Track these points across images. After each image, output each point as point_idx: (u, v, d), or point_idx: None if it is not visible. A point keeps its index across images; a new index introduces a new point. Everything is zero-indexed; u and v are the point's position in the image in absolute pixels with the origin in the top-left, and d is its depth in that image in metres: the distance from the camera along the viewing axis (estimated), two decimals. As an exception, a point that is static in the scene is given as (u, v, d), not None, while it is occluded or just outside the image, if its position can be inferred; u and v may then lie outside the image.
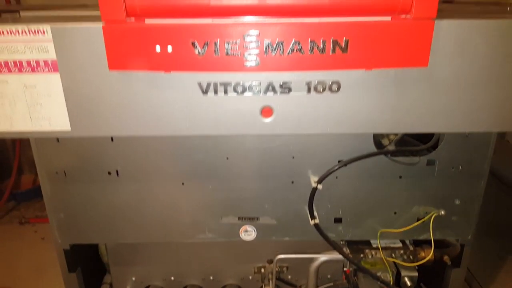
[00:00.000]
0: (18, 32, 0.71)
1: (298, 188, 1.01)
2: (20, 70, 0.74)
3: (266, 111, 0.78)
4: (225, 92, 0.75)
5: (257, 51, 0.69)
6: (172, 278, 1.24)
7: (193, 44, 0.68)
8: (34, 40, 0.71)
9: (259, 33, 0.68)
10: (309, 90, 0.76)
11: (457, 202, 1.03)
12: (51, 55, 0.72)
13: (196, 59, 0.69)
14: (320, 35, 0.68)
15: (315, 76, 0.75)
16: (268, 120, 0.79)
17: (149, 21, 0.70)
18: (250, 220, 1.05)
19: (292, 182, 1.01)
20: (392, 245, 1.08)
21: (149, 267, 1.22)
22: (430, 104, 0.79)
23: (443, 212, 1.03)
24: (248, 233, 1.06)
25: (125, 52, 0.70)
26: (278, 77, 0.74)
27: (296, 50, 0.70)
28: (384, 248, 1.07)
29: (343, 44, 0.69)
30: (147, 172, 0.97)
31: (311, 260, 1.10)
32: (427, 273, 1.11)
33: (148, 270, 1.23)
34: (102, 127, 0.77)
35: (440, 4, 0.69)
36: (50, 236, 1.04)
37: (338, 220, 1.05)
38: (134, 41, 0.68)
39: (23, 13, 0.84)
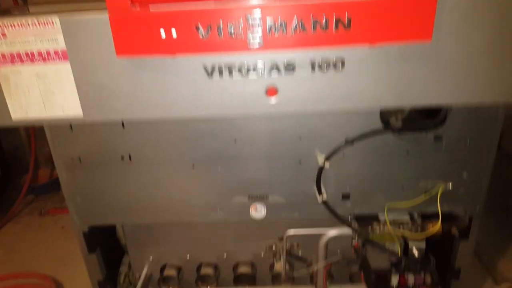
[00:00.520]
0: (29, 25, 0.73)
1: (306, 168, 1.03)
2: (32, 61, 0.77)
3: (271, 91, 0.79)
4: (230, 73, 0.76)
5: (260, 31, 0.70)
6: (188, 257, 1.29)
7: (197, 28, 0.69)
8: (44, 32, 0.74)
9: (262, 14, 0.69)
10: (313, 68, 0.77)
11: (465, 175, 1.04)
12: (61, 45, 0.75)
13: (200, 42, 0.70)
14: (322, 13, 0.69)
15: (318, 54, 0.75)
16: (273, 99, 0.80)
17: (153, 7, 0.72)
18: (260, 199, 1.08)
19: (300, 162, 1.03)
20: (400, 219, 1.10)
21: (165, 247, 1.28)
22: (435, 77, 0.79)
23: (450, 185, 1.04)
24: (258, 211, 1.10)
25: (132, 39, 0.72)
26: (282, 57, 0.75)
27: (299, 29, 0.70)
28: (392, 222, 1.09)
29: (345, 21, 0.70)
30: (158, 156, 1.01)
31: (321, 235, 1.13)
32: (437, 246, 1.13)
33: (165, 250, 1.28)
34: (112, 112, 0.80)
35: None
36: (70, 224, 1.09)
37: (346, 196, 1.07)
38: (139, 28, 0.70)
39: (31, 8, 0.86)
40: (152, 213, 1.08)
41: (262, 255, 1.29)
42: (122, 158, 1.00)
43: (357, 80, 0.78)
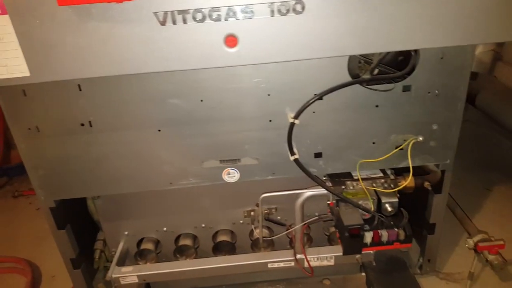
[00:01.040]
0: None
1: (276, 126, 1.01)
2: (-34, 15, 0.70)
3: (231, 40, 0.75)
4: (184, 21, 0.72)
5: (212, -28, 0.66)
6: (165, 229, 1.27)
7: (144, -31, 0.64)
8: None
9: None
10: (272, 12, 0.73)
11: (435, 127, 1.04)
12: (-4, -4, 0.68)
13: (148, -15, 0.65)
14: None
15: (276, -4, 0.71)
16: (233, 50, 0.76)
17: None
18: (232, 162, 1.05)
19: (270, 121, 1.01)
20: (373, 175, 1.10)
21: (140, 220, 1.24)
22: (399, 20, 0.76)
23: (421, 138, 1.04)
24: (231, 175, 1.07)
25: (73, -15, 0.66)
26: (238, 0, 0.71)
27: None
28: (365, 179, 1.09)
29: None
30: (121, 121, 0.96)
31: (296, 196, 1.12)
32: (412, 201, 1.14)
33: (140, 224, 1.25)
34: (61, 70, 0.75)
35: None
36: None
37: (318, 155, 1.06)
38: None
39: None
40: (120, 183, 1.05)
41: (241, 222, 1.28)
42: (82, 125, 0.95)
43: (319, 24, 0.75)
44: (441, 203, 1.20)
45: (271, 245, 1.32)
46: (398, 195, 1.07)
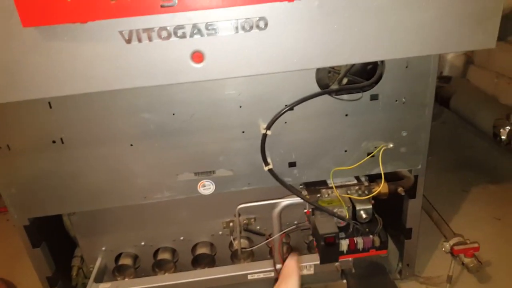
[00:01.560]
0: None
1: (250, 137, 1.02)
2: None
3: (197, 56, 0.77)
4: (150, 39, 0.73)
5: (173, -10, 0.67)
6: (143, 243, 1.26)
7: (106, -10, 0.66)
8: None
9: (173, -28, 0.66)
10: (236, 29, 0.75)
11: (404, 133, 1.07)
12: (-40, 17, 0.69)
13: (110, 6, 0.66)
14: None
15: (239, 13, 0.73)
16: (200, 65, 0.78)
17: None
18: (207, 174, 1.06)
19: (243, 132, 1.02)
20: (347, 183, 1.12)
21: (118, 235, 1.23)
22: (362, 33, 0.79)
23: (391, 145, 1.07)
24: (207, 187, 1.08)
25: (37, 6, 0.67)
26: (201, 18, 0.73)
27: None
28: (339, 186, 1.11)
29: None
30: (92, 136, 0.96)
31: (273, 206, 1.13)
32: (388, 207, 1.16)
33: (118, 238, 1.24)
34: (28, 90, 0.75)
35: None
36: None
37: (292, 164, 1.07)
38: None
39: None
40: (94, 199, 1.04)
41: (220, 233, 1.28)
42: (54, 142, 0.95)
43: (282, 39, 0.77)
44: (416, 207, 1.22)
45: (251, 256, 1.33)
46: (373, 201, 1.09)
